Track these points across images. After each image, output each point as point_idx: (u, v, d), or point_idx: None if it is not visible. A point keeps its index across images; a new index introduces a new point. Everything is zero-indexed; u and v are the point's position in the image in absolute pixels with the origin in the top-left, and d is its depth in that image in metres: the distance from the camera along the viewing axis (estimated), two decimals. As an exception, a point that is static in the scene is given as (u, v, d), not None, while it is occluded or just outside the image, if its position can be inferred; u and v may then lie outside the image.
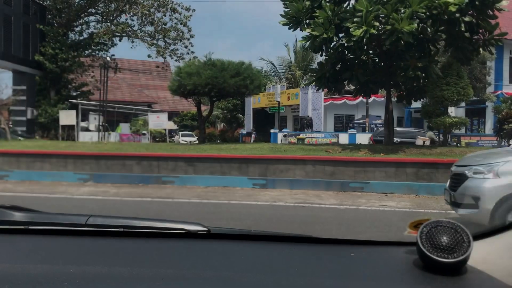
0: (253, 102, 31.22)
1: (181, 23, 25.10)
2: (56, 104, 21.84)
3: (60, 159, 11.34)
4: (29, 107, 20.62)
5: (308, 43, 12.20)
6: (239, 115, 35.39)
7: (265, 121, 32.52)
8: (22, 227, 1.24)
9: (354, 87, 14.35)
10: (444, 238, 1.04)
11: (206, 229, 1.24)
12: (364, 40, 11.18)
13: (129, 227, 1.23)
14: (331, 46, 12.68)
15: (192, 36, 25.54)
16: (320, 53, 13.08)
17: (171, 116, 34.26)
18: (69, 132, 20.20)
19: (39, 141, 13.65)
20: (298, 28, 12.50)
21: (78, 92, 24.90)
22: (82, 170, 11.25)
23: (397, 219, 7.45)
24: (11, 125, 20.90)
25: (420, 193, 9.90)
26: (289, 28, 12.54)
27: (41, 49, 21.24)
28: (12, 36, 19.58)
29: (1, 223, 1.25)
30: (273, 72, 38.44)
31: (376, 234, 6.14)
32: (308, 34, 11.84)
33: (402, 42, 11.13)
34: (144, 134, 24.92)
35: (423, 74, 12.29)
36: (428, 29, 11.79)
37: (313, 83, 13.73)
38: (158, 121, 24.05)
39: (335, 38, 11.99)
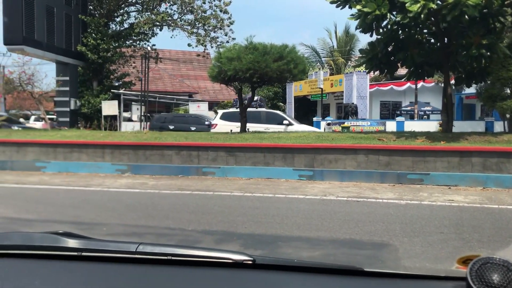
0: (295, 89, 30.33)
1: (220, 10, 24.48)
2: (99, 95, 21.82)
3: (97, 149, 10.97)
4: (72, 97, 20.64)
5: (358, 21, 11.18)
6: (280, 103, 34.57)
7: (307, 109, 31.60)
8: (76, 253, 1.26)
9: (407, 69, 13.23)
10: (495, 276, 1.03)
11: (251, 259, 1.24)
12: (422, 16, 10.08)
13: (177, 255, 1.25)
14: (383, 24, 11.62)
15: (232, 23, 24.85)
16: (370, 33, 11.99)
17: (212, 105, 33.96)
18: (112, 122, 20.10)
19: (78, 131, 13.41)
20: (347, 6, 11.49)
21: (120, 83, 24.87)
22: (120, 161, 10.84)
23: (468, 216, 6.47)
24: (55, 116, 21.09)
25: (488, 185, 8.81)
26: (337, 6, 11.55)
27: (83, 40, 21.19)
28: (55, 27, 19.56)
29: (56, 249, 1.28)
30: (314, 58, 37.25)
31: (448, 236, 5.24)
32: (358, 11, 10.83)
33: (466, 16, 9.94)
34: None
35: (488, 53, 11.00)
36: (494, 2, 10.51)
37: (363, 65, 12.70)
38: (199, 111, 23.72)
39: (388, 15, 10.90)
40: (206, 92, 42.52)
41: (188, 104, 28.83)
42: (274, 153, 9.97)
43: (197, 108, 24.30)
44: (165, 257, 1.24)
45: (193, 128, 16.99)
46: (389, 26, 11.53)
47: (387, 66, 12.46)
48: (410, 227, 5.57)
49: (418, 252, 4.57)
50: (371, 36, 12.27)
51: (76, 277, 1.20)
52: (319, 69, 29.03)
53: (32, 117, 28.82)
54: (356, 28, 11.57)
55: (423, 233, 5.30)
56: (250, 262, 1.22)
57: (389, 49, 12.38)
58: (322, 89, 26.55)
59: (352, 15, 11.31)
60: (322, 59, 37.45)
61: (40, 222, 5.58)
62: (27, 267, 1.26)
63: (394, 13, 11.24)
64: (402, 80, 23.60)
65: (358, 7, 10.77)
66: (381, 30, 12.09)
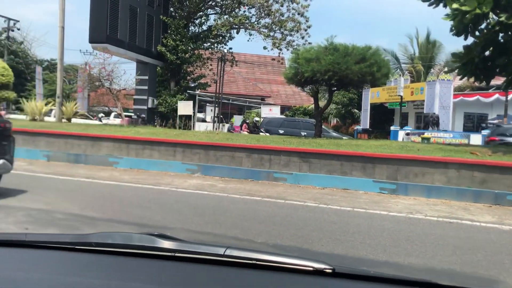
0: (371, 96, 28.99)
1: (298, 13, 23.95)
2: (176, 95, 22.16)
3: (169, 147, 10.84)
4: (150, 96, 21.12)
5: (453, 21, 10.06)
6: (355, 110, 33.29)
7: (383, 117, 30.12)
8: (170, 254, 1.33)
9: (505, 77, 11.78)
10: None
11: (332, 267, 1.25)
12: (532, 15, 8.82)
13: (261, 260, 1.29)
14: (482, 26, 10.39)
15: (309, 27, 24.22)
16: (464, 36, 10.79)
17: (283, 110, 33.50)
18: (186, 122, 20.30)
19: (152, 128, 13.46)
20: (441, 4, 10.43)
21: (196, 84, 25.16)
22: (191, 160, 10.61)
23: None
24: (133, 114, 21.69)
25: None
26: (430, 5, 10.52)
27: (163, 41, 21.63)
28: (137, 28, 20.13)
29: (152, 249, 1.35)
30: (393, 64, 35.51)
31: None
32: (455, 10, 9.73)
33: None
34: (256, 126, 24.34)
35: None
36: None
37: (456, 70, 11.49)
38: (271, 114, 23.33)
39: (490, 15, 9.70)
40: (278, 96, 42.28)
41: (260, 107, 28.61)
42: (353, 162, 9.19)
43: (269, 112, 23.95)
44: (250, 261, 1.29)
45: (303, 133, 16.41)
46: (489, 27, 10.28)
47: (484, 72, 11.14)
48: (522, 261, 4.61)
49: (541, 296, 3.65)
50: (465, 39, 11.04)
51: (170, 275, 1.27)
52: (399, 75, 27.49)
53: (113, 114, 30.12)
54: (451, 30, 10.43)
55: (542, 270, 4.33)
56: (330, 270, 1.24)
57: (486, 54, 11.08)
58: (401, 96, 25.07)
59: (447, 15, 10.20)
60: (402, 65, 35.65)
61: (103, 221, 5.32)
62: (126, 264, 1.34)
63: (497, 12, 10.00)
64: (487, 91, 21.65)
65: (455, 5, 9.66)
66: (477, 33, 10.86)
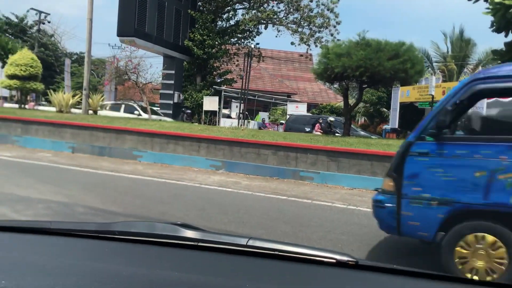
0: (401, 95, 28.23)
1: (327, 9, 23.49)
2: (201, 90, 22.03)
3: (193, 142, 10.65)
4: (176, 91, 21.05)
5: (495, 16, 9.51)
6: (383, 109, 32.53)
7: (413, 117, 29.26)
8: (193, 243, 1.35)
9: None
10: None
11: (355, 260, 1.26)
12: None
13: (284, 251, 1.30)
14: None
15: (338, 23, 23.73)
16: (505, 32, 10.21)
17: (310, 107, 33.08)
18: (211, 118, 20.15)
19: (177, 123, 13.33)
20: (482, -1, 9.89)
21: (222, 79, 25.00)
22: (215, 156, 10.40)
23: None
24: (159, 108, 21.68)
25: None
26: (469, -1, 9.99)
27: (190, 35, 21.51)
28: (165, 22, 20.06)
29: (175, 238, 1.36)
30: (424, 63, 34.49)
31: None
32: (497, 4, 9.18)
33: None
34: (282, 123, 24.08)
35: None
36: None
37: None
38: (297, 111, 22.99)
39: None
40: (304, 93, 41.77)
41: (286, 104, 28.31)
42: (384, 162, 8.77)
43: (296, 109, 23.62)
44: (273, 252, 1.30)
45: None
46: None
47: (526, 70, 10.51)
48: None
49: None
50: (506, 36, 10.48)
51: (193, 264, 1.28)
52: (431, 74, 26.68)
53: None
54: (492, 26, 9.88)
55: None
56: (353, 262, 1.25)
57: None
58: (433, 96, 24.29)
59: (487, 9, 9.66)
60: (433, 64, 34.66)
61: (124, 216, 5.14)
62: (150, 252, 1.35)
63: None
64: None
65: (498, -1, 9.12)
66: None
